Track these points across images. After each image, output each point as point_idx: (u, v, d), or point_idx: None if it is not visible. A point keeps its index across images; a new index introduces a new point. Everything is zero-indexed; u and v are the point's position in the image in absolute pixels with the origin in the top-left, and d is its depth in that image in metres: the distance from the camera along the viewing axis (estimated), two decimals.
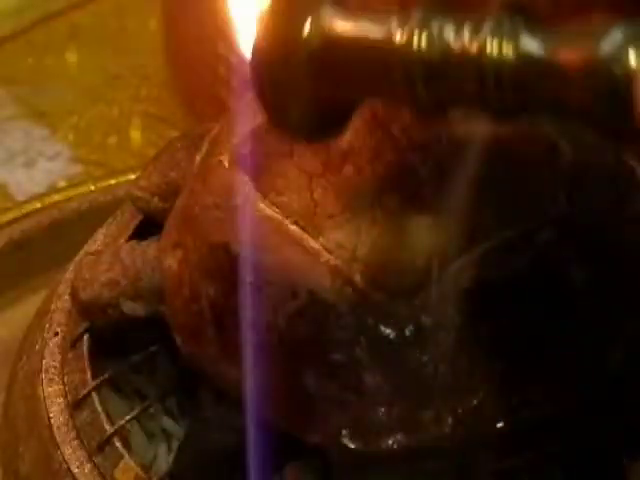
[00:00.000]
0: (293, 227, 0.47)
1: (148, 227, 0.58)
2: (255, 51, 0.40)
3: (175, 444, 0.53)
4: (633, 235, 0.49)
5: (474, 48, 0.36)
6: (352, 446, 0.46)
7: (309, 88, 0.40)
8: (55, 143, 0.89)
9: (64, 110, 0.92)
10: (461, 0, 0.37)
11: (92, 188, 0.80)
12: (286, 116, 0.41)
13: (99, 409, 0.53)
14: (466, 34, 0.36)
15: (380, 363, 0.45)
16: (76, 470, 0.51)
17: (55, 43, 0.99)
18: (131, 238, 0.58)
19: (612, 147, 0.48)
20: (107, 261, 0.53)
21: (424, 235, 0.47)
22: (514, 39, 0.35)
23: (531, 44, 0.35)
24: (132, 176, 0.64)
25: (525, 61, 0.35)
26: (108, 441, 0.52)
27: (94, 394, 0.53)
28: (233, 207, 0.49)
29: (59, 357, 0.56)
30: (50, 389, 0.55)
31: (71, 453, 0.52)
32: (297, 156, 0.50)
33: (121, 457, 0.51)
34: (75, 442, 0.52)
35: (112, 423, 0.52)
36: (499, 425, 0.46)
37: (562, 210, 0.47)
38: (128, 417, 0.53)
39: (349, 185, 0.49)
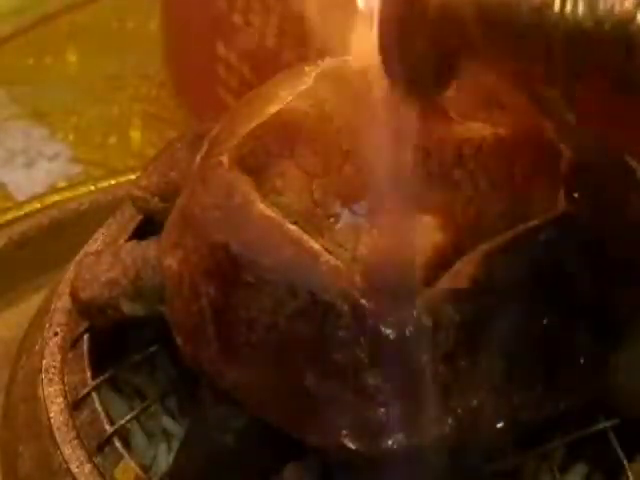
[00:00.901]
0: (293, 227, 0.47)
1: (148, 227, 0.58)
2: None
3: (175, 444, 0.53)
4: (633, 235, 0.49)
5: (626, 16, 0.35)
6: (352, 446, 0.46)
7: (437, 39, 0.41)
8: (55, 143, 0.89)
9: (64, 110, 0.92)
10: None
11: (92, 188, 0.80)
12: (405, 63, 0.43)
13: (99, 409, 0.53)
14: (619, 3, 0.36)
15: (380, 363, 0.45)
16: (76, 470, 0.51)
17: (55, 43, 0.99)
18: (131, 238, 0.58)
19: (612, 148, 0.48)
20: (107, 261, 0.53)
21: (424, 235, 0.47)
22: None
23: None
24: (132, 176, 0.64)
25: None
26: (108, 441, 0.52)
27: (94, 394, 0.53)
28: (233, 207, 0.49)
29: (59, 357, 0.56)
30: (50, 389, 0.55)
31: (71, 453, 0.52)
32: (297, 156, 0.50)
33: (121, 457, 0.51)
34: (75, 442, 0.52)
35: (112, 423, 0.52)
36: (499, 425, 0.46)
37: (562, 210, 0.47)
38: (128, 417, 0.53)
39: (349, 185, 0.49)
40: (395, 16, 0.42)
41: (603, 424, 0.49)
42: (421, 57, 0.42)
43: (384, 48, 0.43)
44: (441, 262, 0.46)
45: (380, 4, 0.42)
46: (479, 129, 0.51)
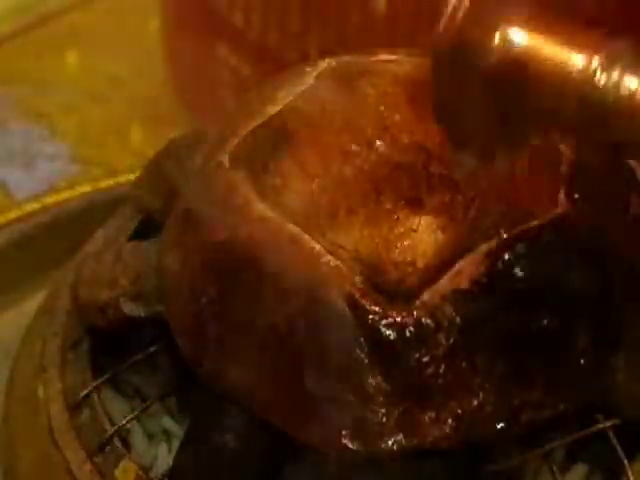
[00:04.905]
0: (293, 227, 0.47)
1: (148, 227, 0.58)
2: (438, 52, 0.42)
3: (175, 444, 0.53)
4: (633, 235, 0.49)
5: None
6: (352, 447, 0.45)
7: (485, 99, 0.42)
8: (55, 143, 0.89)
9: (64, 110, 0.92)
10: None
11: (92, 188, 0.80)
12: (461, 125, 0.44)
13: (99, 409, 0.53)
14: None
15: (380, 363, 0.45)
16: (76, 470, 0.51)
17: (55, 43, 0.99)
18: (131, 238, 0.58)
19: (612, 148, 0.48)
20: (107, 261, 0.53)
21: (424, 236, 0.47)
22: None
23: None
24: (132, 176, 0.64)
25: None
26: (108, 441, 0.52)
27: (94, 394, 0.53)
28: (233, 207, 0.49)
29: (59, 357, 0.56)
30: (50, 389, 0.55)
31: (71, 453, 0.52)
32: (297, 156, 0.50)
33: (121, 457, 0.51)
34: (75, 442, 0.52)
35: (112, 423, 0.52)
36: (499, 425, 0.46)
37: (562, 210, 0.47)
38: (128, 417, 0.53)
39: (349, 186, 0.49)
40: (449, 63, 0.42)
41: (603, 424, 0.49)
42: (473, 115, 0.43)
43: (446, 119, 0.44)
44: (441, 262, 0.46)
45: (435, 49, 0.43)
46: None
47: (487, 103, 0.42)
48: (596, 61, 0.40)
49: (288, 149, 0.51)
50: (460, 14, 0.41)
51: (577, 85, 0.40)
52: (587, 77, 0.40)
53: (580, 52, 0.40)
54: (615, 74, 0.39)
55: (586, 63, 0.40)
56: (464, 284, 0.45)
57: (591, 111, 0.40)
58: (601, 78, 0.39)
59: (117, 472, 0.51)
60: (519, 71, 0.41)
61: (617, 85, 0.39)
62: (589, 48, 0.40)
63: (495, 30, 0.41)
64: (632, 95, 0.39)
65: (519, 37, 0.41)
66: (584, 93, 0.40)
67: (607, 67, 0.39)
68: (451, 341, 0.45)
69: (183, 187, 0.53)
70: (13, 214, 0.77)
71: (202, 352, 0.49)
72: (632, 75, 0.39)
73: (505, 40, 0.41)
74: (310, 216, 0.48)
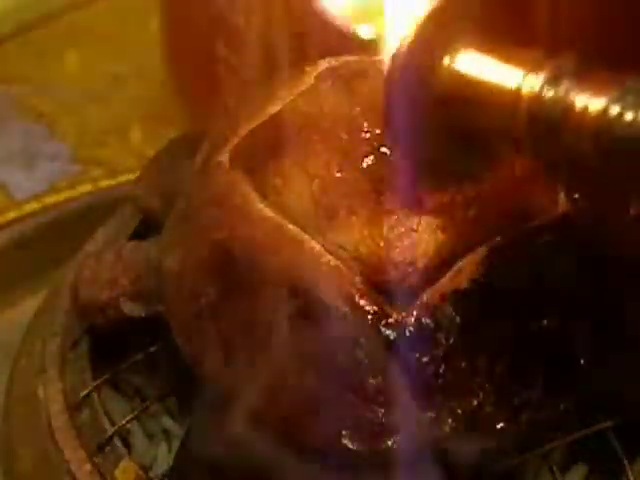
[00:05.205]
0: (293, 227, 0.47)
1: (148, 227, 0.58)
2: (391, 72, 0.43)
3: (175, 444, 0.53)
4: (633, 236, 0.49)
5: (593, 112, 0.39)
6: (352, 447, 0.45)
7: (437, 118, 0.43)
8: (55, 143, 0.89)
9: (64, 110, 0.92)
10: (590, 74, 0.40)
11: (92, 188, 0.80)
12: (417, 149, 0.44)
13: (99, 409, 0.53)
14: (588, 99, 0.39)
15: (380, 363, 0.45)
16: (76, 470, 0.51)
17: (55, 43, 0.99)
18: (131, 238, 0.58)
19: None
20: (107, 261, 0.53)
21: (424, 236, 0.47)
22: (636, 112, 0.38)
23: None
24: (132, 176, 0.64)
25: None
26: (108, 441, 0.52)
27: (94, 394, 0.53)
28: (233, 207, 0.49)
29: (59, 357, 0.56)
30: (50, 389, 0.55)
31: (71, 453, 0.52)
32: (297, 156, 0.50)
33: (121, 457, 0.51)
34: (75, 442, 0.52)
35: (112, 423, 0.52)
36: (499, 425, 0.46)
37: (562, 210, 0.47)
38: (128, 417, 0.53)
39: (349, 186, 0.49)
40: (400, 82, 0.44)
41: (603, 424, 0.49)
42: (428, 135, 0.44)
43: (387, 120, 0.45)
44: (441, 262, 0.46)
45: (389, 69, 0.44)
46: None
47: (440, 125, 0.43)
48: (541, 77, 0.41)
49: (288, 149, 0.50)
50: (411, 39, 0.43)
51: (526, 102, 0.41)
52: (534, 93, 0.40)
53: (526, 69, 0.41)
54: (561, 89, 0.40)
55: (532, 79, 0.41)
56: (464, 284, 0.46)
57: (541, 127, 0.40)
58: (547, 93, 0.40)
59: (117, 472, 0.51)
60: (468, 91, 0.43)
61: (564, 99, 0.40)
62: (536, 65, 0.41)
63: (444, 53, 0.43)
64: (580, 109, 0.39)
65: (467, 58, 0.43)
66: (532, 109, 0.40)
67: (553, 82, 0.40)
68: (451, 341, 0.45)
69: (183, 187, 0.53)
70: (13, 214, 0.77)
71: (202, 352, 0.49)
72: (577, 89, 0.40)
73: (453, 61, 0.43)
74: (310, 216, 0.48)
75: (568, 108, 0.40)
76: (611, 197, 0.45)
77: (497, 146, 0.44)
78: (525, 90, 0.41)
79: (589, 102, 0.39)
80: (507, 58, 0.42)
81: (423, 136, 0.44)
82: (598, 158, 0.39)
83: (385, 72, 0.43)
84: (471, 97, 0.43)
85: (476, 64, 0.43)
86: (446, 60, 0.43)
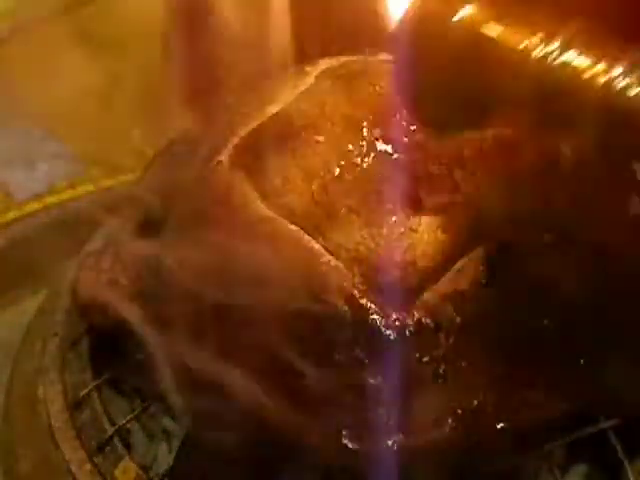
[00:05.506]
0: (293, 227, 0.47)
1: (148, 227, 0.58)
2: (403, 24, 0.44)
3: (175, 444, 0.53)
4: (633, 235, 0.49)
5: (599, 82, 0.40)
6: (352, 447, 0.45)
7: (449, 72, 0.44)
8: (55, 143, 0.89)
9: (64, 110, 0.92)
10: (599, 42, 0.41)
11: (92, 188, 0.81)
12: (423, 99, 0.46)
13: (99, 409, 0.53)
14: (597, 68, 0.40)
15: (380, 363, 0.45)
16: (76, 470, 0.51)
17: (55, 43, 0.99)
18: (131, 238, 0.58)
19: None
20: (107, 261, 0.53)
21: (424, 236, 0.47)
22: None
23: None
24: (132, 176, 0.64)
25: None
26: (108, 441, 0.52)
27: (94, 394, 0.53)
28: (233, 207, 0.49)
29: (59, 357, 0.56)
30: (50, 389, 0.55)
31: (71, 453, 0.52)
32: (297, 156, 0.50)
33: (121, 457, 0.51)
34: (75, 442, 0.52)
35: (112, 423, 0.52)
36: (499, 425, 0.46)
37: (562, 211, 0.47)
38: (128, 417, 0.53)
39: (349, 186, 0.49)
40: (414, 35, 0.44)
41: (603, 424, 0.49)
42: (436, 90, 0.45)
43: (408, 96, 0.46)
44: (441, 262, 0.46)
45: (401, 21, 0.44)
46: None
47: (450, 77, 0.44)
48: (554, 42, 0.41)
49: (288, 149, 0.50)
50: None
51: (534, 65, 0.42)
52: (544, 56, 0.41)
53: (539, 33, 0.42)
54: (571, 54, 0.41)
55: (544, 44, 0.41)
56: (464, 284, 0.46)
57: (548, 89, 0.41)
58: (558, 58, 0.41)
59: (117, 472, 0.51)
60: (479, 47, 0.43)
61: (572, 65, 0.41)
62: (549, 30, 0.42)
63: (458, 7, 0.43)
64: (588, 76, 0.40)
65: (480, 15, 0.43)
66: (541, 72, 0.41)
67: (565, 47, 0.41)
68: (451, 341, 0.45)
69: (183, 187, 0.53)
70: (13, 214, 0.77)
71: (202, 352, 0.49)
72: (587, 56, 0.41)
73: (466, 17, 0.43)
74: (310, 216, 0.48)
75: (576, 74, 0.40)
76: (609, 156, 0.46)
77: (502, 104, 0.44)
78: (535, 53, 0.41)
79: (596, 70, 0.40)
80: (520, 20, 0.43)
81: (430, 89, 0.44)
82: (601, 125, 0.40)
83: (399, 22, 0.44)
84: (481, 54, 0.43)
85: (489, 22, 0.43)
86: (460, 15, 0.43)
